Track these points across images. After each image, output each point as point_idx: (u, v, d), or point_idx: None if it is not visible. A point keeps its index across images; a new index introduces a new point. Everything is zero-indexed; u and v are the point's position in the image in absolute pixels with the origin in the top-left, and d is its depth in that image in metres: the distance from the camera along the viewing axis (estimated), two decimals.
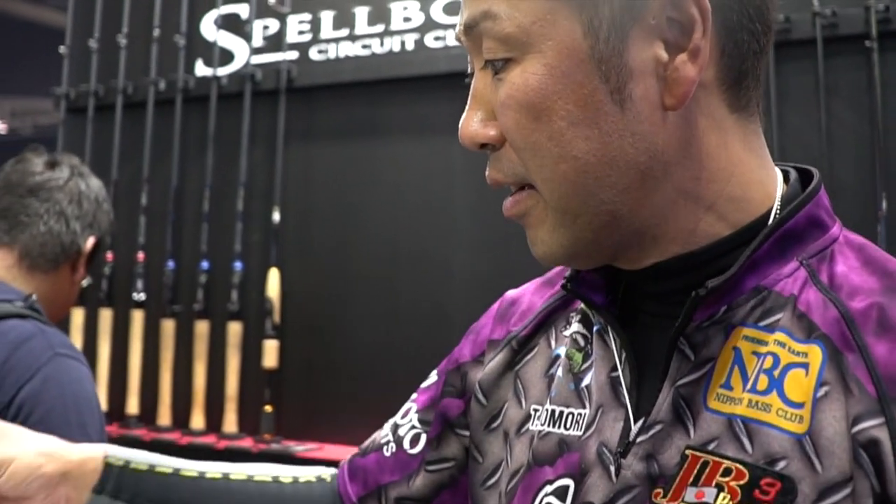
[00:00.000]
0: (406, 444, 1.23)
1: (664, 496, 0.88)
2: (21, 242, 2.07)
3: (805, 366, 0.86)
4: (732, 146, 0.93)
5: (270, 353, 3.44)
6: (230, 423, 3.50)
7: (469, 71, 0.99)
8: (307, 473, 1.29)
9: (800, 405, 0.84)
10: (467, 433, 1.18)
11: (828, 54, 2.79)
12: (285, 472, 1.27)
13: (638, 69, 0.88)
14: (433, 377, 1.26)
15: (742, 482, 0.84)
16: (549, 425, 1.03)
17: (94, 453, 1.13)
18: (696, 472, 0.87)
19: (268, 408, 3.44)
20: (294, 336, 3.51)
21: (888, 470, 0.79)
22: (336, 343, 3.45)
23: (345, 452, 3.16)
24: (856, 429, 0.81)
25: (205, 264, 3.63)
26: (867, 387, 0.82)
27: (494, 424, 1.13)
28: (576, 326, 1.08)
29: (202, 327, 3.58)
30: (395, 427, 1.26)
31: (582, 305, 1.08)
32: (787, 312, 0.89)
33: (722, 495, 0.84)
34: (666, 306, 0.96)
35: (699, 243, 0.93)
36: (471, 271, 3.26)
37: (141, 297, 3.69)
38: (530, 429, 1.07)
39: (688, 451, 0.88)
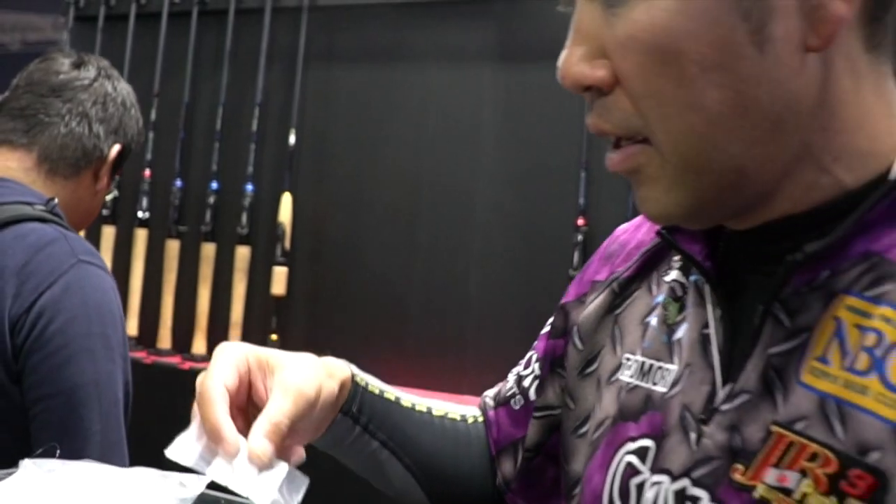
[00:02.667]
0: (532, 395, 1.20)
1: (744, 474, 0.82)
2: (40, 144, 1.95)
3: None
4: (865, 91, 0.83)
5: (279, 280, 3.37)
6: None
7: None
8: (461, 411, 1.28)
9: None
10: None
11: None
12: (452, 409, 1.28)
13: (781, 5, 0.78)
14: (550, 321, 1.21)
15: (830, 470, 0.76)
16: (637, 378, 0.99)
17: (346, 370, 1.14)
18: (781, 453, 0.80)
19: (273, 336, 3.40)
20: (304, 264, 3.44)
21: None
22: (348, 274, 3.39)
23: None
24: None
25: (214, 185, 3.54)
26: None
27: (590, 370, 1.08)
28: (675, 274, 1.01)
29: (209, 250, 3.51)
30: (520, 378, 1.24)
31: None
32: None
33: (806, 482, 0.77)
34: (767, 267, 0.87)
35: (814, 202, 0.84)
36: (494, 206, 3.19)
37: (145, 215, 3.60)
38: (620, 379, 1.02)
39: (773, 428, 0.81)
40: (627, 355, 1.02)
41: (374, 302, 3.33)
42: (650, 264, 1.06)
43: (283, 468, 0.93)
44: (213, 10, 3.61)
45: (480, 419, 1.28)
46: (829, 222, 0.83)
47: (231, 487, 0.90)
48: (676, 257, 1.02)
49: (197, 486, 1.41)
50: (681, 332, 0.95)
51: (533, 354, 1.22)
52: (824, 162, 0.83)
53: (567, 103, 3.04)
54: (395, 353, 3.25)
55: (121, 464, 1.71)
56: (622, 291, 1.07)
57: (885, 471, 0.73)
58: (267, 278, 3.39)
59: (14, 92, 2.01)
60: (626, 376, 1.01)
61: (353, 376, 1.13)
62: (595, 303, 1.09)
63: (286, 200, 3.39)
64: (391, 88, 3.36)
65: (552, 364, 1.17)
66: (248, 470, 0.91)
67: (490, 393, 1.30)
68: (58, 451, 1.10)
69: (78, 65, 2.03)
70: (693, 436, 0.87)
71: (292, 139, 3.44)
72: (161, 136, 3.62)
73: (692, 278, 0.97)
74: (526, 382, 1.21)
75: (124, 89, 2.09)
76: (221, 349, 1.00)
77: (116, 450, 1.77)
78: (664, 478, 0.89)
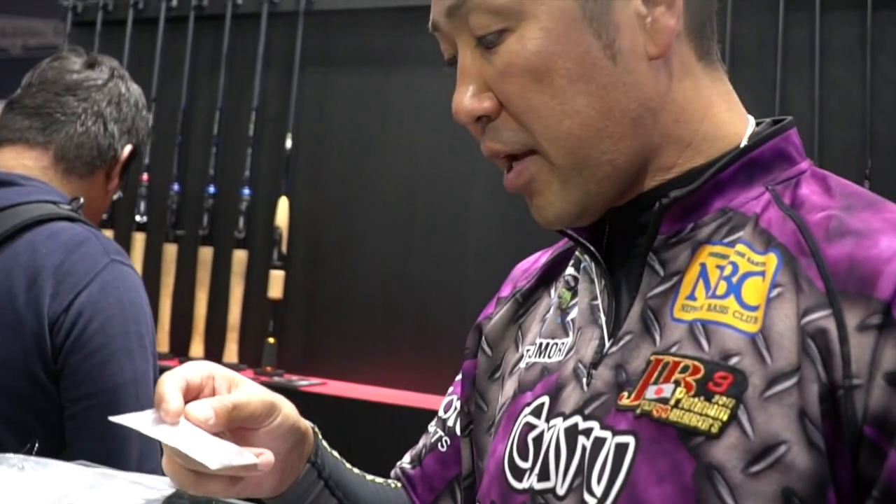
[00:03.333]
0: (458, 430, 1.27)
1: (628, 397, 0.94)
2: (56, 143, 1.95)
3: (762, 273, 0.93)
4: (703, 90, 1.01)
5: (276, 283, 3.38)
6: (231, 353, 3.44)
7: (446, 58, 1.05)
8: (381, 479, 1.33)
9: (755, 308, 0.91)
10: None
11: (876, 6, 2.69)
12: (375, 476, 1.32)
13: (624, 23, 0.96)
14: (462, 371, 1.29)
15: (697, 377, 0.90)
16: (535, 356, 1.10)
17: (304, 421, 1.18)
18: (657, 372, 0.93)
19: (270, 340, 3.39)
20: (301, 267, 3.45)
21: (833, 356, 0.85)
22: (344, 277, 3.39)
23: (349, 390, 3.24)
24: (804, 320, 0.87)
25: (211, 189, 3.54)
26: (817, 283, 0.88)
27: (497, 374, 1.19)
28: (569, 271, 1.15)
29: (206, 254, 3.51)
30: (443, 422, 1.30)
31: (577, 254, 1.15)
32: (749, 228, 0.96)
33: (679, 389, 0.91)
34: (641, 231, 1.02)
35: (675, 176, 1.01)
36: (489, 210, 3.19)
37: (143, 219, 3.60)
38: (520, 366, 1.13)
39: (652, 357, 0.95)
40: (528, 347, 1.14)
41: (371, 305, 3.33)
42: (549, 275, 1.20)
43: (230, 444, 0.99)
44: (210, 15, 3.61)
45: (399, 485, 1.32)
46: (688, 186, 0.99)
47: (174, 446, 0.96)
48: (572, 262, 1.16)
49: (164, 488, 1.44)
50: (574, 312, 1.08)
51: (452, 398, 1.30)
52: (680, 146, 1.00)
53: None
54: (392, 356, 3.25)
55: (157, 464, 1.73)
56: (524, 301, 1.21)
57: (744, 370, 0.88)
58: (264, 282, 3.39)
59: (27, 90, 2.00)
60: (524, 362, 1.12)
61: (312, 427, 1.18)
62: (500, 313, 1.22)
63: (283, 204, 3.40)
64: (387, 92, 3.37)
65: (470, 383, 1.24)
66: (195, 435, 0.97)
67: (405, 459, 1.34)
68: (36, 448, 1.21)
69: (91, 64, 2.03)
70: (584, 380, 1.00)
71: (289, 143, 3.44)
72: (158, 140, 3.60)
73: (582, 265, 1.11)
74: (450, 422, 1.28)
75: (136, 90, 2.09)
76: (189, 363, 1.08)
77: (152, 448, 1.78)
78: (557, 420, 1.00)
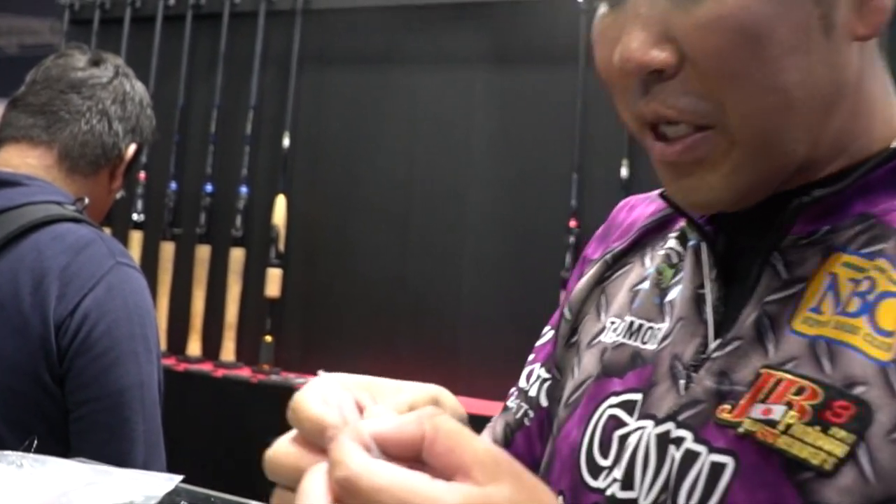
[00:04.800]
0: (543, 400, 1.14)
1: (730, 412, 0.83)
2: (61, 141, 1.93)
3: None
4: (879, 81, 0.90)
5: (273, 281, 3.38)
6: (228, 351, 3.44)
7: None
8: None
9: (890, 333, 0.78)
10: None
11: None
12: None
13: None
14: (547, 333, 1.18)
15: (814, 402, 0.78)
16: (625, 336, 1.00)
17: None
18: (766, 389, 0.81)
19: (268, 338, 3.39)
20: (298, 266, 3.45)
21: None
22: (341, 275, 3.39)
23: None
24: None
25: (209, 187, 3.55)
26: None
27: (573, 340, 1.09)
28: (671, 243, 1.03)
29: (203, 252, 3.51)
30: (524, 394, 1.17)
31: (681, 225, 1.03)
32: (893, 242, 0.83)
33: (791, 413, 0.78)
34: (767, 226, 0.89)
35: (822, 175, 0.89)
36: (486, 208, 3.19)
37: (140, 217, 3.60)
38: (602, 340, 1.03)
39: (762, 370, 0.83)
40: (613, 319, 1.03)
41: (368, 303, 3.33)
42: (646, 240, 1.08)
43: None
44: (208, 14, 3.62)
45: None
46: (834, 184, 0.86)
47: None
48: (673, 233, 1.04)
49: (163, 484, 1.44)
50: (674, 294, 0.97)
51: (533, 367, 1.17)
52: (844, 142, 0.87)
53: (559, 106, 3.06)
54: (388, 354, 3.25)
55: (161, 464, 1.76)
56: (614, 263, 1.09)
57: (870, 402, 0.75)
58: (261, 280, 3.39)
59: (31, 87, 1.98)
60: (610, 337, 1.02)
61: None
62: (587, 276, 1.10)
63: (280, 202, 3.40)
64: (385, 91, 3.37)
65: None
66: None
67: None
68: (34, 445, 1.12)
69: (95, 62, 2.02)
70: (682, 382, 0.89)
71: (286, 142, 3.45)
72: (156, 139, 3.61)
73: (690, 243, 0.98)
74: (533, 392, 1.15)
75: (140, 88, 2.08)
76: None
77: (157, 450, 1.78)
78: (648, 423, 0.89)
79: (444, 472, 0.56)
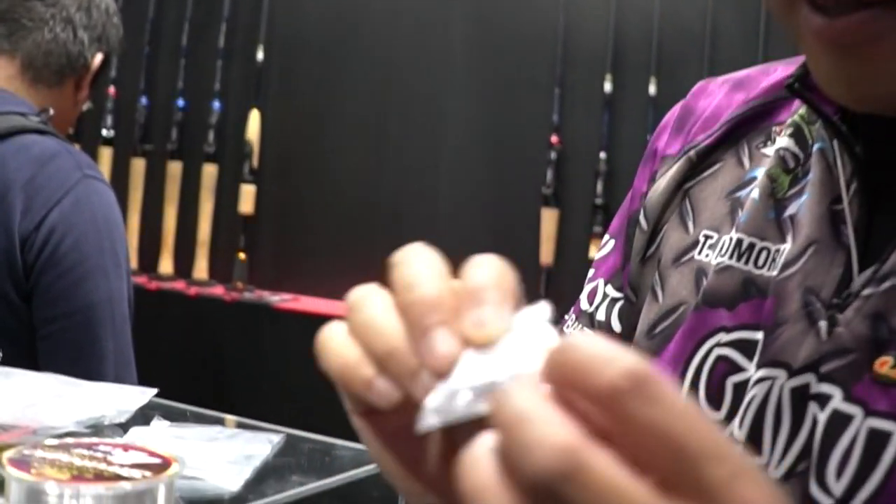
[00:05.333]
0: (616, 326, 0.96)
1: (893, 366, 0.69)
2: (24, 50, 1.87)
3: None
4: None
5: (247, 198, 3.34)
6: (200, 269, 3.41)
7: None
8: None
9: None
10: None
11: None
12: None
13: None
14: (608, 243, 0.98)
15: None
16: (731, 258, 0.83)
17: None
18: None
19: (241, 255, 3.36)
20: (273, 181, 3.40)
21: None
22: (317, 191, 3.35)
23: (322, 305, 3.23)
24: None
25: (181, 102, 3.48)
26: None
27: (650, 253, 0.91)
28: (784, 142, 0.86)
29: (175, 168, 3.46)
30: (589, 317, 0.98)
31: (795, 118, 0.87)
32: None
33: None
34: None
35: None
36: (465, 122, 3.15)
37: (110, 133, 3.53)
38: (697, 258, 0.86)
39: None
40: (708, 232, 0.87)
41: (343, 219, 3.30)
42: (738, 133, 0.91)
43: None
44: None
45: None
46: None
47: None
48: (778, 126, 0.89)
49: (135, 397, 1.40)
50: (795, 208, 0.81)
51: (596, 283, 0.98)
52: None
53: (542, 19, 3.00)
54: (365, 271, 3.08)
55: (132, 380, 1.73)
56: (699, 162, 0.91)
57: None
58: (234, 196, 3.35)
59: None
60: (710, 256, 0.85)
61: None
62: (667, 176, 0.92)
63: (254, 117, 3.35)
64: (361, 2, 3.30)
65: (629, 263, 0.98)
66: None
67: None
68: None
69: None
70: (822, 324, 0.73)
71: (260, 55, 3.38)
72: (125, 52, 3.51)
73: (817, 146, 0.82)
74: (601, 315, 0.96)
75: None
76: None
77: (128, 369, 1.75)
78: (778, 372, 0.75)
79: (644, 453, 0.42)
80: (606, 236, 0.98)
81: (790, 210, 0.81)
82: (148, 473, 0.98)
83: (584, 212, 2.97)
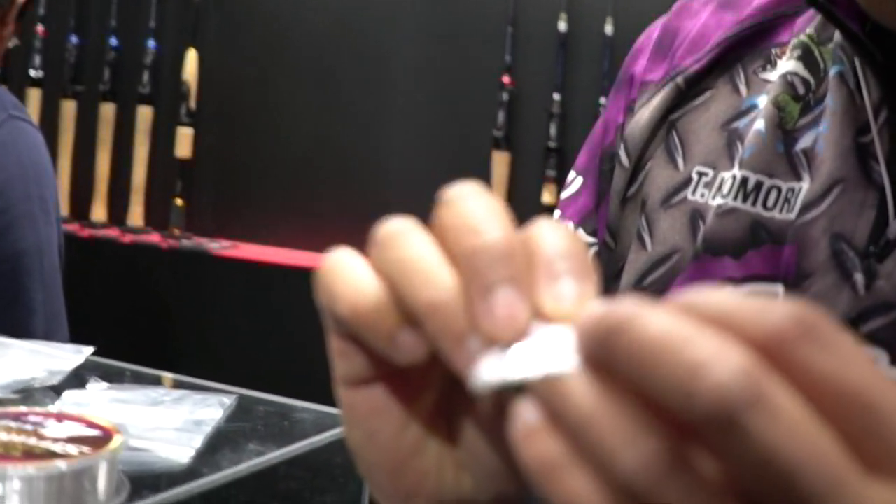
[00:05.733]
0: None
1: None
2: None
3: None
4: None
5: (184, 141, 3.25)
6: (136, 216, 3.32)
7: None
8: None
9: None
10: None
11: None
12: None
13: None
14: (574, 181, 0.90)
15: None
16: (735, 198, 0.74)
17: None
18: None
19: (178, 201, 3.28)
20: (211, 125, 3.29)
21: None
22: (259, 135, 3.25)
23: (262, 253, 3.15)
24: None
25: (113, 41, 3.37)
26: None
27: (631, 192, 0.83)
28: (790, 65, 0.78)
29: (107, 111, 3.35)
30: None
31: (801, 38, 0.79)
32: None
33: None
34: None
35: None
36: (414, 62, 3.08)
37: (39, 74, 3.40)
38: (691, 199, 0.78)
39: None
40: (702, 168, 0.79)
41: (287, 165, 3.22)
42: (732, 56, 0.82)
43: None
44: None
45: None
46: None
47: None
48: (779, 47, 0.80)
49: (68, 357, 1.29)
50: (810, 141, 0.73)
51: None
52: None
53: None
54: (309, 219, 3.15)
55: (63, 336, 1.66)
56: (689, 89, 0.83)
57: None
58: (171, 140, 3.25)
59: None
60: (706, 196, 0.77)
61: None
62: (650, 105, 0.84)
63: (191, 57, 3.25)
64: None
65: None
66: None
67: None
68: None
69: None
70: (859, 277, 0.66)
71: None
72: None
73: (834, 70, 0.74)
74: None
75: None
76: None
77: (58, 321, 1.68)
78: None
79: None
80: (572, 173, 0.90)
81: (803, 143, 0.73)
82: (86, 449, 0.87)
83: (536, 155, 2.92)
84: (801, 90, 0.75)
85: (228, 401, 1.23)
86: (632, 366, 0.32)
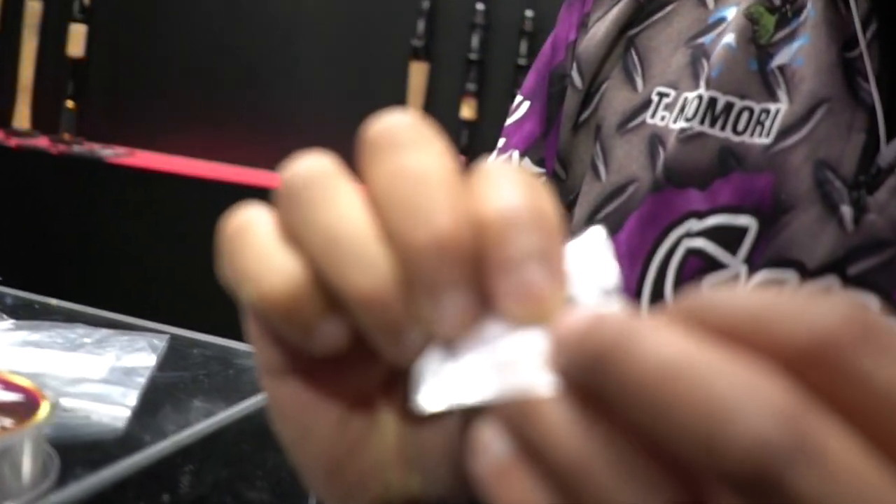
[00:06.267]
0: None
1: None
2: None
3: None
4: None
5: (76, 39, 3.11)
6: (22, 117, 3.16)
7: None
8: None
9: None
10: None
11: None
12: None
13: None
14: (521, 105, 0.83)
15: None
16: (702, 122, 0.67)
17: None
18: None
19: (69, 103, 3.13)
20: (107, 21, 3.15)
21: None
22: (159, 35, 3.12)
23: (159, 161, 3.02)
24: None
25: None
26: None
27: (584, 116, 0.76)
28: None
29: None
30: None
31: None
32: None
33: None
34: None
35: None
36: None
37: None
38: (650, 123, 0.71)
39: None
40: (663, 89, 0.72)
41: (189, 69, 3.09)
42: None
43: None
44: None
45: None
46: None
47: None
48: None
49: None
50: (787, 57, 0.66)
51: (509, 155, 0.84)
52: None
53: None
54: (211, 127, 3.04)
55: None
56: (649, 2, 0.76)
57: None
58: (62, 36, 3.10)
59: None
60: (665, 119, 0.71)
61: None
62: (605, 20, 0.77)
63: None
64: None
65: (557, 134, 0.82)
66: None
67: None
68: None
69: None
70: (846, 210, 0.59)
71: None
72: None
73: None
74: None
75: None
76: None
77: None
78: (787, 274, 0.60)
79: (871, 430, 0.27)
80: (519, 97, 0.83)
81: (779, 59, 0.67)
82: (7, 422, 0.72)
83: (456, 68, 2.82)
84: (776, 0, 0.69)
85: (161, 343, 1.07)
86: (630, 403, 0.27)
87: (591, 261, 0.34)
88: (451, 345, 0.33)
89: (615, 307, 0.32)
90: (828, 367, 0.27)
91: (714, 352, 0.26)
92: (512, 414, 0.29)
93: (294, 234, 0.34)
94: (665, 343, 0.26)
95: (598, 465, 0.28)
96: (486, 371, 0.31)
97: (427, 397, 0.32)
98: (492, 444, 0.30)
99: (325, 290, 0.34)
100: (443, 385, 0.32)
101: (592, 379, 0.28)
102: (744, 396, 0.25)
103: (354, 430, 0.40)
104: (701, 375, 0.26)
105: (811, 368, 0.26)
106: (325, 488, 0.42)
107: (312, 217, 0.34)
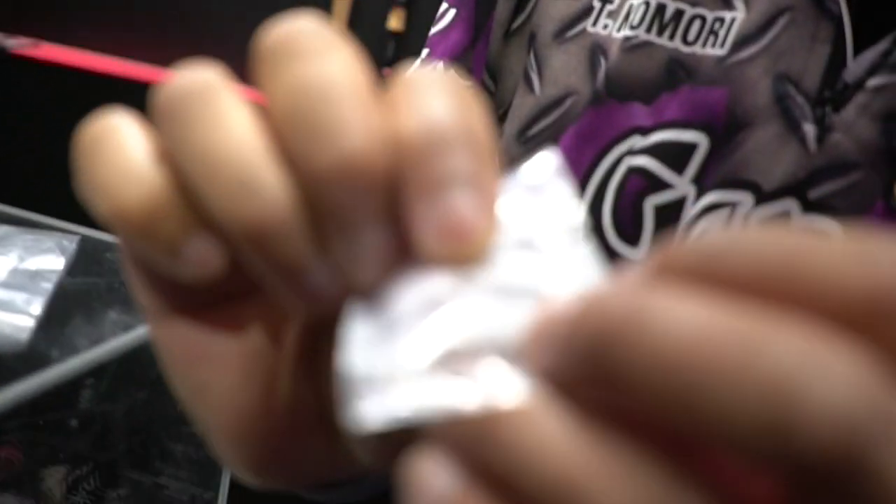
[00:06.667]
0: None
1: None
2: None
3: None
4: None
5: None
6: None
7: None
8: None
9: None
10: None
11: None
12: None
13: None
14: (446, 13, 0.77)
15: None
16: (648, 30, 0.63)
17: None
18: None
19: None
20: None
21: None
22: None
23: (66, 56, 2.90)
24: None
25: None
26: None
27: (517, 22, 0.72)
28: None
29: None
30: None
31: None
32: None
33: None
34: None
35: None
36: None
37: None
38: (591, 31, 0.66)
39: None
40: None
41: None
42: None
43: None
44: None
45: None
46: None
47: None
48: None
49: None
50: None
51: (434, 66, 0.76)
52: None
53: None
54: (123, 21, 2.91)
55: None
56: None
57: None
58: None
59: None
60: (608, 27, 0.66)
61: None
62: None
63: None
64: None
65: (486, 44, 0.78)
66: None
67: None
68: None
69: None
70: (809, 128, 0.55)
71: None
72: None
73: None
74: None
75: None
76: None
77: None
78: (742, 196, 0.56)
79: None
80: (444, 5, 0.79)
81: None
82: None
83: None
84: None
85: (70, 245, 0.95)
86: (653, 392, 0.22)
87: (546, 193, 0.29)
88: (372, 308, 0.28)
89: (586, 254, 0.28)
90: (878, 330, 0.22)
91: (757, 314, 0.22)
92: (465, 434, 0.24)
93: (169, 154, 0.30)
94: (690, 312, 0.22)
95: (601, 478, 0.23)
96: (427, 368, 0.26)
97: (360, 412, 0.26)
98: (434, 478, 0.25)
99: (195, 208, 0.30)
100: (378, 394, 0.26)
101: (594, 373, 0.23)
102: (813, 366, 0.21)
103: (261, 391, 0.35)
104: (751, 345, 0.21)
105: (872, 327, 0.22)
106: (232, 458, 0.36)
107: (190, 135, 0.29)
